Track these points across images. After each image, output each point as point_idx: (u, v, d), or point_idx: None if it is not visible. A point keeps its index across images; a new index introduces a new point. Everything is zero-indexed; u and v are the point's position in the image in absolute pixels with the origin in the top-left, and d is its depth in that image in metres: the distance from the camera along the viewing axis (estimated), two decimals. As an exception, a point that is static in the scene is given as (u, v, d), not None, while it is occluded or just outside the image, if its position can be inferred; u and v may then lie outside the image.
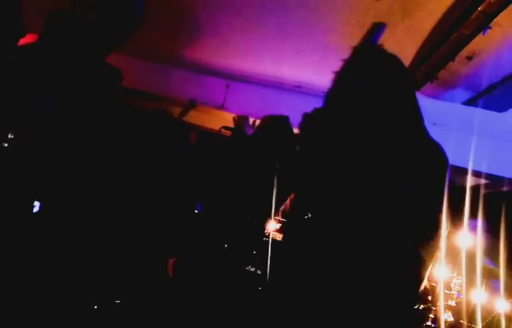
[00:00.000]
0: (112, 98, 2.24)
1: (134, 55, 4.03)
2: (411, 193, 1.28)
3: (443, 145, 1.40)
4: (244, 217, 2.63)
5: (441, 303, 3.38)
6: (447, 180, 1.32)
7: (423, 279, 1.35)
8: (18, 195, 1.91)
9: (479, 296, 3.34)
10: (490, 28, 2.30)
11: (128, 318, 2.63)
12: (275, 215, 3.02)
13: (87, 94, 2.15)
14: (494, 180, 3.59)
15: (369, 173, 1.29)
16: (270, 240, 3.34)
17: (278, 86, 3.88)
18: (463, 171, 3.05)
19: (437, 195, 1.31)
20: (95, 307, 2.53)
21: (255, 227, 2.76)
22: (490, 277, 3.49)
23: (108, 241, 2.51)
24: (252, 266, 3.10)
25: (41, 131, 1.94)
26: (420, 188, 1.28)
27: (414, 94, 1.41)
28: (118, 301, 2.65)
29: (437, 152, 1.35)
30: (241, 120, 2.83)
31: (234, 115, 2.90)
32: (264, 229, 2.93)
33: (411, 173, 1.29)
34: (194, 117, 4.49)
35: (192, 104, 2.90)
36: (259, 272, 2.98)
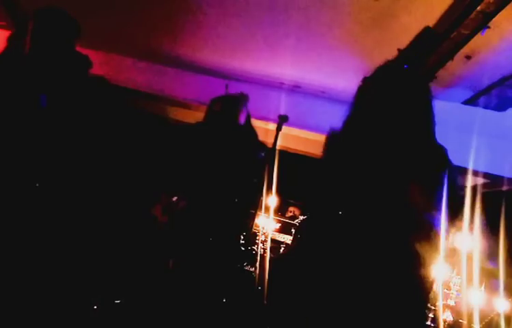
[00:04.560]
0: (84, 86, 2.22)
1: (134, 55, 4.04)
2: (411, 192, 1.33)
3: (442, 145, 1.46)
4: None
5: (440, 303, 3.38)
6: (446, 180, 1.37)
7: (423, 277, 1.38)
8: (15, 193, 1.91)
9: (478, 296, 3.33)
10: (489, 28, 2.30)
11: (128, 318, 2.63)
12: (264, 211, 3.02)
13: (82, 92, 2.17)
14: (493, 180, 3.59)
15: (376, 173, 1.36)
16: (269, 240, 3.34)
17: (277, 86, 3.88)
18: (463, 171, 3.05)
19: (435, 195, 1.36)
20: (95, 307, 2.53)
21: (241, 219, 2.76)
22: (489, 276, 3.49)
23: (108, 241, 2.51)
24: (248, 265, 3.10)
25: (37, 128, 1.94)
26: (420, 187, 1.33)
27: (428, 102, 1.52)
28: (118, 301, 2.66)
29: (440, 154, 1.41)
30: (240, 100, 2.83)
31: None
32: (250, 223, 2.92)
33: (414, 173, 1.35)
34: (193, 118, 4.49)
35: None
36: (257, 272, 2.98)
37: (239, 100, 2.82)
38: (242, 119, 2.81)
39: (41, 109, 1.95)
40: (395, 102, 1.49)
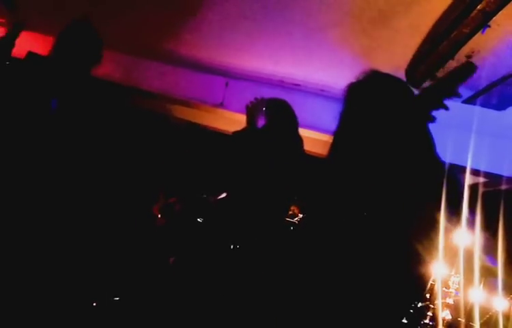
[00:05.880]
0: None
1: (133, 53, 4.04)
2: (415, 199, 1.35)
3: (442, 144, 1.47)
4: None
5: (439, 301, 3.39)
6: (446, 182, 1.39)
7: (421, 275, 1.40)
8: (20, 195, 1.91)
9: (477, 294, 3.34)
10: (489, 27, 2.30)
11: (127, 316, 2.63)
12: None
13: (92, 96, 2.19)
14: (493, 179, 3.60)
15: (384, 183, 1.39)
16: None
17: (277, 84, 3.88)
18: (462, 170, 3.05)
19: (436, 199, 1.38)
20: (94, 305, 2.53)
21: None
22: (488, 275, 3.50)
23: (108, 240, 2.51)
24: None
25: (48, 132, 1.95)
26: (422, 194, 1.35)
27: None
28: (117, 299, 2.66)
29: (441, 167, 1.48)
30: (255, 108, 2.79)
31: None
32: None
33: (418, 183, 1.37)
34: (193, 116, 4.49)
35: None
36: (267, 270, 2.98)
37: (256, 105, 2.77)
38: (261, 122, 2.78)
39: (52, 113, 1.96)
40: (390, 110, 1.50)
